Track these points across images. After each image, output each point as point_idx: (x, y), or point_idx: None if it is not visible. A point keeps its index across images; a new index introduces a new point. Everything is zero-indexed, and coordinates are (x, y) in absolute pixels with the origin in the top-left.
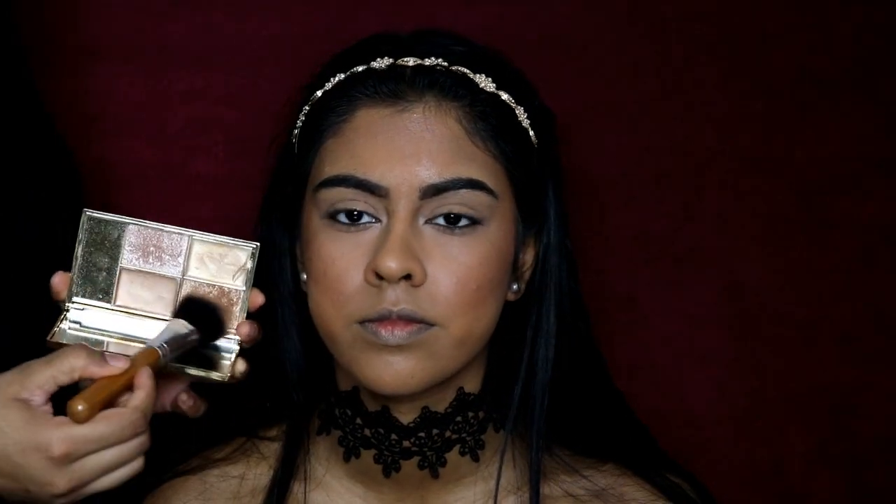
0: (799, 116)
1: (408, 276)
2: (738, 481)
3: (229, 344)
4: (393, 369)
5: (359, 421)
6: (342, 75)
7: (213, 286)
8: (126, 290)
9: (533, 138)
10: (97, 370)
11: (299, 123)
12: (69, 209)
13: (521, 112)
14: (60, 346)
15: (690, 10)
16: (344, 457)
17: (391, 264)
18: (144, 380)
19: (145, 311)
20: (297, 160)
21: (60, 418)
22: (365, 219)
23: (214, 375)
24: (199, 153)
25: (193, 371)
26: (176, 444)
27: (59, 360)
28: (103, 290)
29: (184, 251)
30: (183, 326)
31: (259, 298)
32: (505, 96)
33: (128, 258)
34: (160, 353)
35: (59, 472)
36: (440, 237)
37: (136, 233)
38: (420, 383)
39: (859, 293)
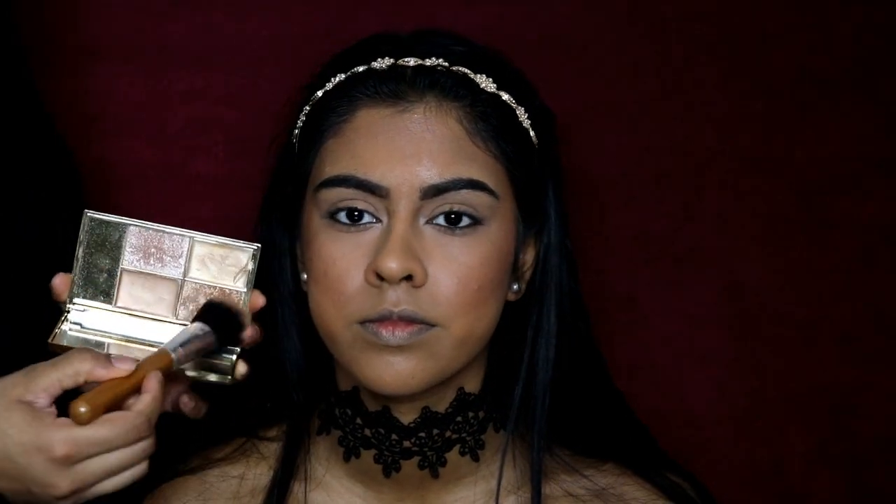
0: (799, 116)
1: (409, 277)
2: (738, 481)
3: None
4: (393, 369)
5: (359, 421)
6: (343, 75)
7: (214, 288)
8: (127, 292)
9: (533, 138)
10: (103, 373)
11: (300, 123)
12: (69, 209)
13: (521, 112)
14: (61, 347)
15: (690, 10)
16: (344, 457)
17: (392, 265)
18: (153, 384)
19: (146, 313)
20: (297, 160)
21: (63, 420)
22: (366, 219)
23: (216, 378)
24: (199, 153)
25: (195, 373)
26: (175, 444)
27: (64, 363)
28: (104, 292)
29: (185, 252)
30: (200, 329)
31: (260, 300)
32: (506, 96)
33: (129, 259)
34: (173, 357)
35: (61, 473)
36: (441, 237)
37: (137, 234)
38: (421, 383)
39: (859, 293)
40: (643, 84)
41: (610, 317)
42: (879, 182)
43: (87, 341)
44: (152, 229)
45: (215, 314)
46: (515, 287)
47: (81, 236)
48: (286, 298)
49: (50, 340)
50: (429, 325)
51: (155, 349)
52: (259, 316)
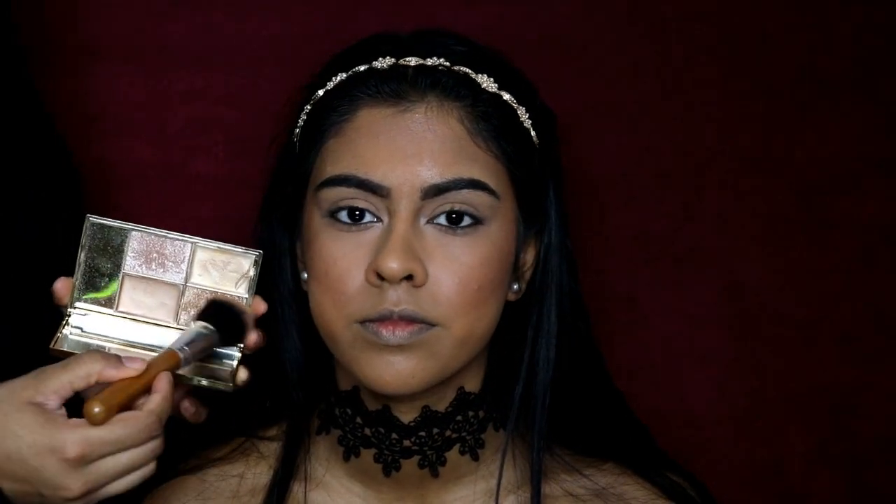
0: (799, 116)
1: (409, 277)
2: (738, 481)
3: (230, 352)
4: (394, 369)
5: (359, 420)
6: (344, 75)
7: (216, 293)
8: (129, 296)
9: (534, 138)
10: (114, 373)
11: (300, 123)
12: (69, 209)
13: (522, 112)
14: (63, 353)
15: (690, 10)
16: (344, 456)
17: (393, 265)
18: (163, 384)
19: (148, 318)
20: (298, 160)
21: (76, 420)
22: (367, 218)
23: (218, 385)
24: (199, 153)
25: (196, 379)
26: (175, 444)
27: (75, 364)
28: (106, 296)
29: (187, 258)
30: (204, 328)
31: (261, 306)
32: (507, 96)
33: (130, 264)
34: (181, 356)
35: (74, 474)
36: (442, 237)
37: (139, 239)
38: (421, 383)
39: (859, 293)
40: (643, 84)
41: (610, 317)
42: (879, 182)
43: (88, 346)
44: (154, 234)
45: (218, 313)
46: (516, 287)
47: (83, 240)
48: (286, 298)
49: (51, 346)
50: (429, 324)
51: (155, 354)
52: (260, 316)
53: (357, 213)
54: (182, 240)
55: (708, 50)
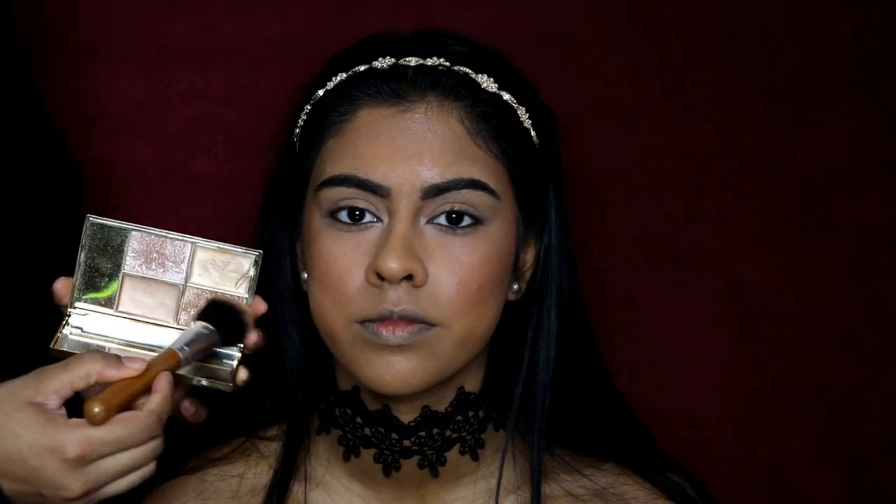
0: (799, 116)
1: (409, 277)
2: (738, 481)
3: (230, 352)
4: (394, 369)
5: (359, 420)
6: (344, 75)
7: (216, 293)
8: (129, 296)
9: (534, 138)
10: (114, 373)
11: (300, 123)
12: (69, 209)
13: (522, 112)
14: (63, 353)
15: (690, 10)
16: (344, 456)
17: (393, 265)
18: (163, 384)
19: (148, 318)
20: (298, 160)
21: (76, 420)
22: (367, 218)
23: (218, 385)
24: (199, 153)
25: (196, 380)
26: (175, 444)
27: (75, 364)
28: (105, 296)
29: (187, 258)
30: (204, 328)
31: (262, 306)
32: (507, 96)
33: (131, 264)
34: (181, 356)
35: (74, 474)
36: (442, 237)
37: (139, 239)
38: (421, 383)
39: (859, 293)
40: (643, 84)
41: (610, 317)
42: (879, 182)
43: (88, 346)
44: (154, 234)
45: (218, 313)
46: (516, 287)
47: (83, 240)
48: (286, 298)
49: (51, 346)
50: (429, 324)
51: (155, 354)
52: (260, 316)
53: (357, 213)
54: (182, 240)
55: (708, 50)
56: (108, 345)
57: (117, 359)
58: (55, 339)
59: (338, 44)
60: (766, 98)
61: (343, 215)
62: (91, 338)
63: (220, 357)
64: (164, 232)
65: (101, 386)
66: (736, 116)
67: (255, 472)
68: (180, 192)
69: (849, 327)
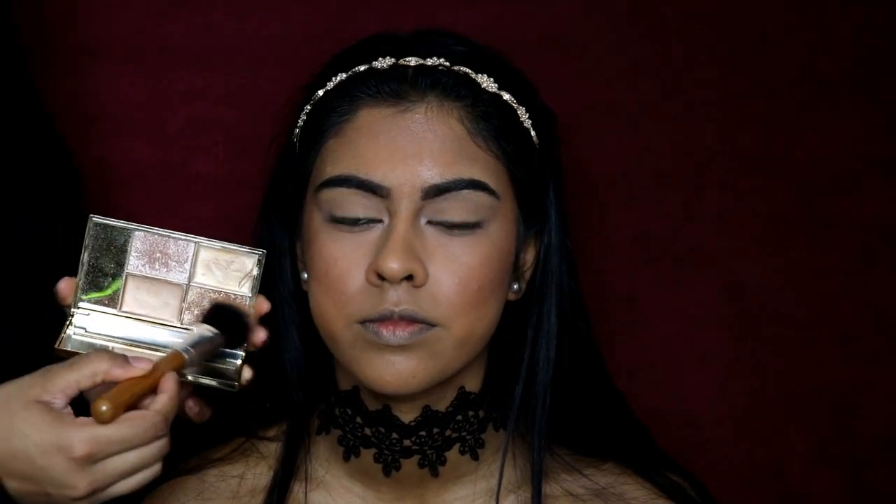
0: (799, 116)
1: (409, 277)
2: (738, 481)
3: (234, 351)
4: (394, 369)
5: (359, 420)
6: (344, 75)
7: (219, 293)
8: (132, 296)
9: (534, 138)
10: (120, 373)
11: (300, 123)
12: (69, 209)
13: (522, 112)
14: (67, 353)
15: (690, 10)
16: (344, 456)
17: (393, 265)
18: (169, 384)
19: (151, 318)
20: (298, 160)
21: (83, 419)
22: (367, 219)
23: (224, 385)
24: (199, 153)
25: (201, 379)
26: (175, 444)
27: (82, 363)
28: (109, 296)
29: (190, 258)
30: (208, 331)
31: (265, 305)
32: (507, 96)
33: (134, 264)
34: (186, 357)
35: (81, 473)
36: (442, 237)
37: (142, 239)
38: (421, 383)
39: (859, 293)
40: (643, 84)
41: (610, 317)
42: (879, 182)
43: (92, 346)
44: (158, 234)
45: (221, 316)
46: (516, 287)
47: (86, 240)
48: (286, 298)
49: (56, 346)
50: (429, 324)
51: (159, 354)
52: (262, 315)
53: (358, 220)
54: (185, 239)
55: (708, 50)
56: (111, 344)
57: (124, 358)
58: (59, 340)
59: (338, 44)
60: (766, 98)
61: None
62: (95, 338)
63: (225, 357)
64: (167, 231)
65: (107, 385)
66: (736, 116)
67: (254, 473)
68: (180, 192)
69: (849, 327)
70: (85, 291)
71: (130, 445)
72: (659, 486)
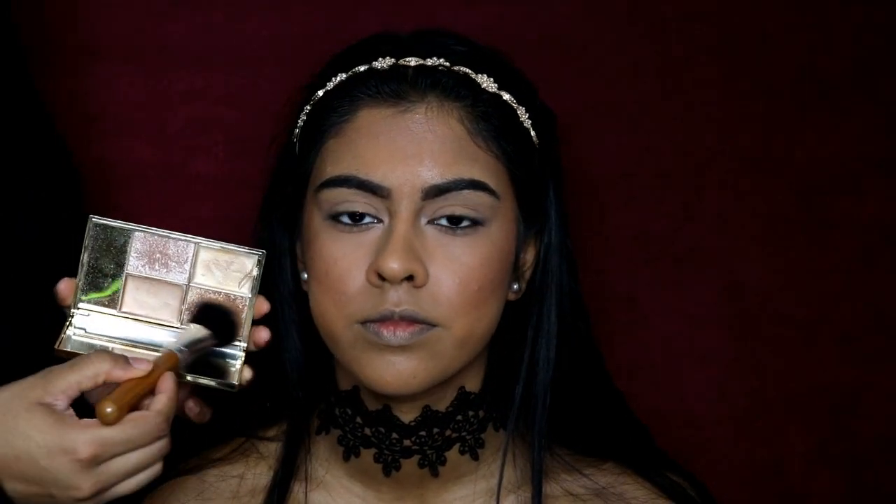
0: (799, 116)
1: (410, 277)
2: (738, 481)
3: (234, 351)
4: (395, 369)
5: (359, 420)
6: (343, 75)
7: (219, 293)
8: (132, 297)
9: (534, 138)
10: (121, 374)
11: (300, 123)
12: (69, 209)
13: (522, 112)
14: (67, 354)
15: (690, 10)
16: (343, 456)
17: (394, 265)
18: (168, 384)
19: (151, 318)
20: (298, 160)
21: (87, 421)
22: (367, 219)
23: (224, 385)
24: (199, 153)
25: (203, 381)
26: (175, 444)
27: (83, 364)
28: (109, 297)
29: (190, 258)
30: (199, 330)
31: (265, 306)
32: (507, 96)
33: (134, 265)
34: (179, 356)
35: (85, 474)
36: (442, 238)
37: (142, 239)
38: (422, 383)
39: (859, 293)
40: (643, 84)
41: (610, 317)
42: (879, 182)
43: (92, 346)
44: (157, 234)
45: (209, 314)
46: (516, 287)
47: (86, 241)
48: (286, 298)
49: (56, 347)
50: (430, 325)
51: (158, 354)
52: (262, 315)
53: (357, 215)
54: (185, 240)
55: (708, 50)
56: (111, 345)
57: (124, 359)
58: (59, 340)
59: (338, 44)
60: (766, 98)
61: (344, 217)
62: (94, 338)
63: (225, 357)
64: (167, 232)
65: (108, 386)
66: (736, 116)
67: (254, 473)
68: (180, 192)
69: (849, 327)
70: (85, 292)
71: (133, 446)
72: (659, 485)
